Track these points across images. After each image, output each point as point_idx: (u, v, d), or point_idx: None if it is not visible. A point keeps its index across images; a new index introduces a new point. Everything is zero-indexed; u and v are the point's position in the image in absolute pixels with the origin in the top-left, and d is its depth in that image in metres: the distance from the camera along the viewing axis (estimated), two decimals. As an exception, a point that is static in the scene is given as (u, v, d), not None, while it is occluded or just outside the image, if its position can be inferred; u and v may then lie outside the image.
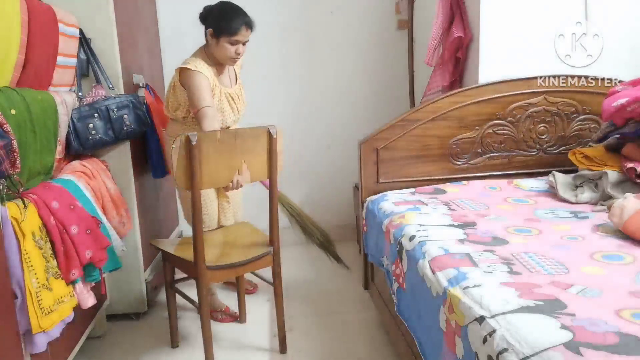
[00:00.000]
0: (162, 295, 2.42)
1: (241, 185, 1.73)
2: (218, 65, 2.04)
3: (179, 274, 2.05)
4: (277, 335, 1.92)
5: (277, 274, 1.88)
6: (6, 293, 1.18)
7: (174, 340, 1.97)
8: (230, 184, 1.70)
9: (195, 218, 1.63)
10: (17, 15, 1.37)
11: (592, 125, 2.11)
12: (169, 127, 2.12)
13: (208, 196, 2.10)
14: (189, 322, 2.17)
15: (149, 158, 2.27)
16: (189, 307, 2.32)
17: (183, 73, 1.92)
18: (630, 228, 1.26)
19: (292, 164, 3.15)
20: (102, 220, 1.73)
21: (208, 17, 1.95)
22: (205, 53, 2.02)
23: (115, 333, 2.09)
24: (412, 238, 1.40)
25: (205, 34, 1.98)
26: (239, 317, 2.17)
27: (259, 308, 2.28)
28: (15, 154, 1.26)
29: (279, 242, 1.87)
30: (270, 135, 1.72)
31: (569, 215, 1.55)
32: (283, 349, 1.91)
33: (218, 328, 2.12)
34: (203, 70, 1.91)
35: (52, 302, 1.32)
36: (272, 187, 1.80)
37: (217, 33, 1.92)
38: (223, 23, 1.91)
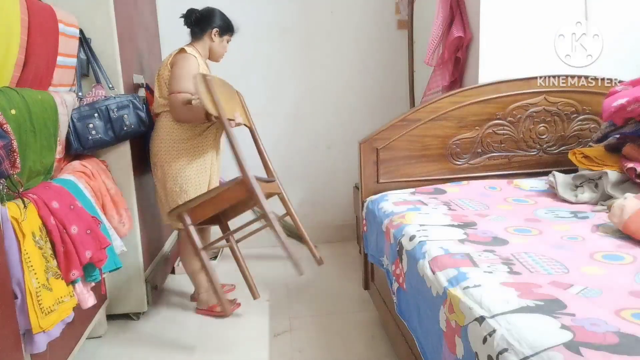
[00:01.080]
0: (162, 296, 2.43)
1: (239, 124, 1.99)
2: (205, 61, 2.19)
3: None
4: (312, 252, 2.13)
5: (283, 199, 2.16)
6: (6, 293, 1.18)
7: (226, 307, 1.92)
8: (236, 116, 1.99)
9: (230, 138, 1.77)
10: (17, 15, 1.37)
11: (592, 125, 2.11)
12: (165, 125, 2.03)
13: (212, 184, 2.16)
14: (190, 323, 2.17)
15: (147, 158, 2.27)
16: (188, 307, 2.32)
17: (178, 54, 2.01)
18: (630, 228, 1.26)
19: (292, 163, 3.16)
20: (102, 220, 1.73)
21: (212, 18, 2.11)
22: (197, 50, 2.10)
23: (115, 333, 2.09)
24: (412, 238, 1.40)
25: (201, 33, 2.10)
26: (239, 305, 2.24)
27: (259, 308, 2.28)
28: (15, 154, 1.26)
29: (277, 176, 2.20)
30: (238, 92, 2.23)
31: (569, 215, 1.55)
32: (320, 260, 2.15)
33: (217, 328, 2.12)
34: (199, 60, 2.04)
35: (52, 302, 1.32)
36: (253, 133, 2.20)
37: (222, 32, 2.12)
38: (228, 24, 2.15)
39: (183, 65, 1.96)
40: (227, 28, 2.14)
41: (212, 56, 2.18)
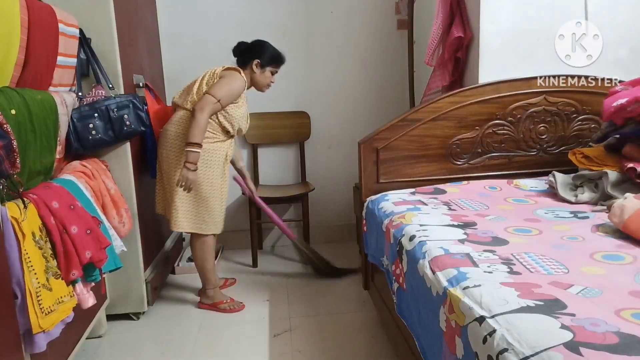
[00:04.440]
0: (162, 296, 2.43)
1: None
2: (247, 89, 2.25)
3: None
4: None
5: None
6: (6, 293, 1.18)
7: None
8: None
9: None
10: (17, 15, 1.36)
11: (592, 125, 2.11)
12: (177, 128, 2.10)
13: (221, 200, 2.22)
14: (190, 323, 2.17)
15: (147, 158, 2.27)
16: (188, 307, 2.32)
17: (230, 70, 2.12)
18: (630, 227, 1.26)
19: (292, 163, 3.16)
20: (102, 220, 1.73)
21: (256, 50, 2.21)
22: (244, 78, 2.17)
23: (115, 333, 2.09)
24: (412, 238, 1.40)
25: (244, 63, 2.20)
26: (244, 307, 2.29)
27: (259, 308, 2.28)
28: (15, 154, 1.26)
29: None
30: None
31: (569, 215, 1.55)
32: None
33: (217, 328, 2.12)
34: (246, 85, 2.16)
35: (52, 302, 1.32)
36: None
37: (264, 64, 2.20)
38: (271, 56, 2.22)
39: (230, 82, 2.07)
40: (269, 61, 2.20)
41: (255, 86, 2.26)
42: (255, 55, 2.19)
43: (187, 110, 2.09)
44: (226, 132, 2.16)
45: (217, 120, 2.11)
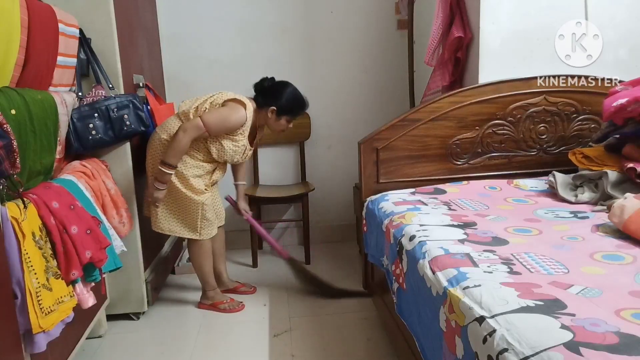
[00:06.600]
0: (162, 295, 2.43)
1: None
2: (254, 126, 2.16)
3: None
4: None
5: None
6: (6, 293, 1.18)
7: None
8: None
9: None
10: (17, 15, 1.36)
11: (592, 125, 2.11)
12: (165, 135, 2.06)
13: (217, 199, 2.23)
14: (190, 323, 2.17)
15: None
16: (188, 307, 2.32)
17: (234, 102, 2.01)
18: (630, 227, 1.26)
19: (292, 163, 3.16)
20: (102, 220, 1.73)
21: (277, 95, 2.09)
22: (254, 113, 2.09)
23: (115, 333, 2.09)
24: (412, 238, 1.40)
25: (262, 105, 2.10)
26: (244, 307, 2.28)
27: (259, 308, 2.28)
28: (15, 154, 1.26)
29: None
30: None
31: (569, 215, 1.55)
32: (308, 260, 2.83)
33: (217, 328, 2.12)
34: (247, 122, 2.04)
35: (52, 302, 1.32)
36: None
37: (280, 113, 2.10)
38: (291, 107, 2.12)
39: (228, 115, 1.98)
40: (286, 111, 2.10)
41: (268, 127, 2.19)
42: (273, 102, 2.09)
43: (181, 121, 2.04)
44: (212, 157, 2.07)
45: (204, 143, 2.04)
